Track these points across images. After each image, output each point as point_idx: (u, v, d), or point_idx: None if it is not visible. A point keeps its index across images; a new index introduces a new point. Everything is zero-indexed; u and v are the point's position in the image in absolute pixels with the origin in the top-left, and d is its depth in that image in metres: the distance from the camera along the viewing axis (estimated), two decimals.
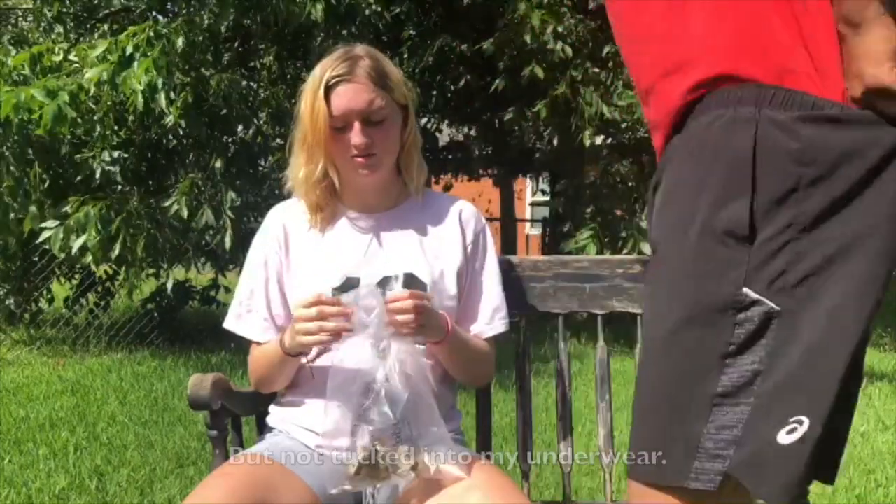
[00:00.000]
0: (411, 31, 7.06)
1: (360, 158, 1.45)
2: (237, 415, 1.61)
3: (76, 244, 4.72)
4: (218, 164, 5.09)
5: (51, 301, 6.40)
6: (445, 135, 9.50)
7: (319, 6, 4.86)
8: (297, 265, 1.52)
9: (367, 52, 1.47)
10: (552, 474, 2.97)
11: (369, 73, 1.43)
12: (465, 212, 1.57)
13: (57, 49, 5.11)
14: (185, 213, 4.93)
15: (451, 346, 1.42)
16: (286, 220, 1.55)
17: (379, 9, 5.46)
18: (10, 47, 5.23)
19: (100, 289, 6.38)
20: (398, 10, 6.47)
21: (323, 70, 1.43)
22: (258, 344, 1.53)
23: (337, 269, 1.47)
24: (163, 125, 5.08)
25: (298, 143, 1.48)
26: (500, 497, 1.29)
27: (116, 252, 4.86)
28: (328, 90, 1.41)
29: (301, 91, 1.47)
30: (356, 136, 1.43)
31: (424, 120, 8.45)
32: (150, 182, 5.50)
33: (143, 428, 3.69)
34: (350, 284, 1.42)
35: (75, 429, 3.66)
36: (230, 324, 1.55)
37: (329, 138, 1.44)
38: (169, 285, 5.65)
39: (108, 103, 4.88)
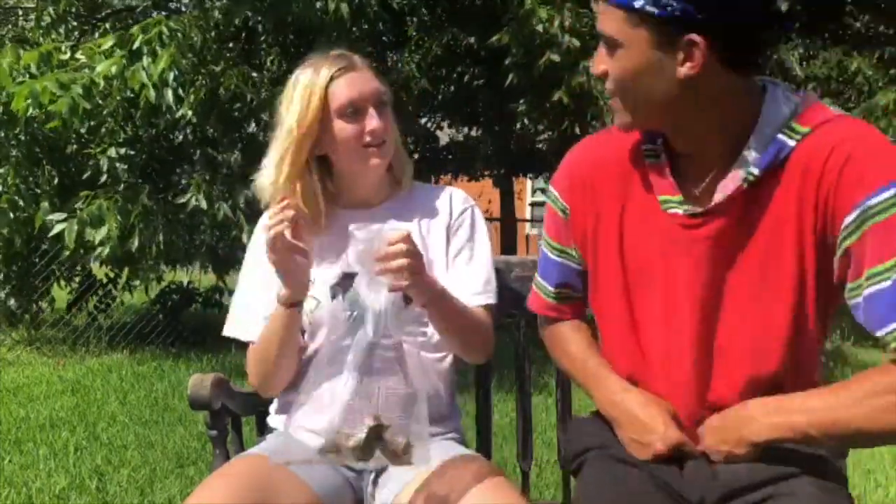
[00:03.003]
0: (414, 32, 7.04)
1: (373, 147, 1.45)
2: (237, 415, 1.62)
3: (98, 235, 4.71)
4: (234, 157, 5.07)
5: (50, 302, 6.39)
6: (445, 134, 9.49)
7: (345, 6, 4.85)
8: None
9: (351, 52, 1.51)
10: (552, 474, 2.97)
11: (367, 63, 1.48)
12: (454, 196, 1.58)
13: (63, 48, 5.12)
14: (204, 205, 4.92)
15: (442, 307, 1.37)
16: None
17: None
18: (19, 47, 5.20)
19: (100, 291, 6.37)
20: (404, 2, 6.46)
21: (316, 70, 1.44)
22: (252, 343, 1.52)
23: (335, 266, 1.47)
24: (174, 120, 5.07)
25: (281, 146, 1.45)
26: (497, 497, 1.29)
27: (136, 244, 4.85)
28: (331, 82, 1.42)
29: (285, 96, 1.47)
30: (373, 120, 1.44)
31: (425, 119, 8.43)
32: (158, 180, 5.50)
33: (143, 428, 3.69)
34: (347, 280, 1.43)
35: (75, 429, 3.66)
36: (230, 330, 1.54)
37: (326, 133, 1.44)
38: (185, 279, 5.64)
39: (118, 98, 4.88)
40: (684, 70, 1.07)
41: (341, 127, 1.44)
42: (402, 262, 1.23)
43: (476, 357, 1.54)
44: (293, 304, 1.39)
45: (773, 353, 1.14)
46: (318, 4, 4.89)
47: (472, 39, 6.84)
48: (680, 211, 1.16)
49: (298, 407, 1.48)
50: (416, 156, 7.52)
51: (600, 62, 1.13)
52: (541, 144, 9.00)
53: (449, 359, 1.54)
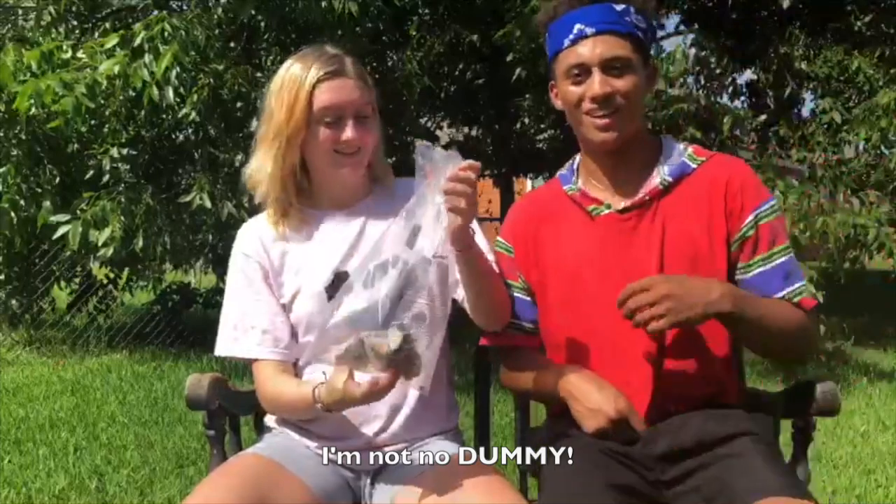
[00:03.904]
0: (415, 31, 7.03)
1: (345, 155, 1.45)
2: (235, 414, 1.61)
3: (102, 236, 4.70)
4: (238, 157, 5.05)
5: (51, 303, 6.38)
6: (445, 134, 9.47)
7: (354, 5, 4.82)
8: (284, 273, 1.51)
9: (345, 52, 1.49)
10: None
11: (356, 70, 1.45)
12: None
13: (65, 47, 5.10)
14: (208, 204, 4.89)
15: (476, 258, 1.35)
16: (261, 233, 1.54)
17: None
18: (22, 47, 5.18)
19: (100, 292, 6.36)
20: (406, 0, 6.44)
21: (305, 67, 1.43)
22: (257, 361, 1.49)
23: (324, 268, 1.47)
24: (177, 119, 5.05)
25: (268, 139, 1.46)
26: (495, 497, 1.29)
27: (140, 244, 4.84)
28: (317, 84, 1.41)
29: (268, 90, 1.47)
30: (349, 131, 1.43)
31: (425, 119, 8.40)
32: (160, 179, 5.48)
33: (142, 428, 3.69)
34: (340, 280, 1.43)
35: (75, 429, 3.66)
36: (226, 348, 1.50)
37: (307, 133, 1.43)
38: (194, 280, 5.60)
39: (120, 97, 4.86)
40: (650, 86, 1.49)
41: (317, 131, 1.43)
42: (468, 189, 1.22)
43: (494, 319, 1.50)
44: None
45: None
46: (324, 4, 4.86)
47: (474, 37, 6.83)
48: (609, 210, 1.46)
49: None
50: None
51: (604, 84, 1.40)
52: (541, 144, 8.98)
53: (446, 357, 1.54)
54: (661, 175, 1.46)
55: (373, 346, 1.19)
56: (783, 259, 1.43)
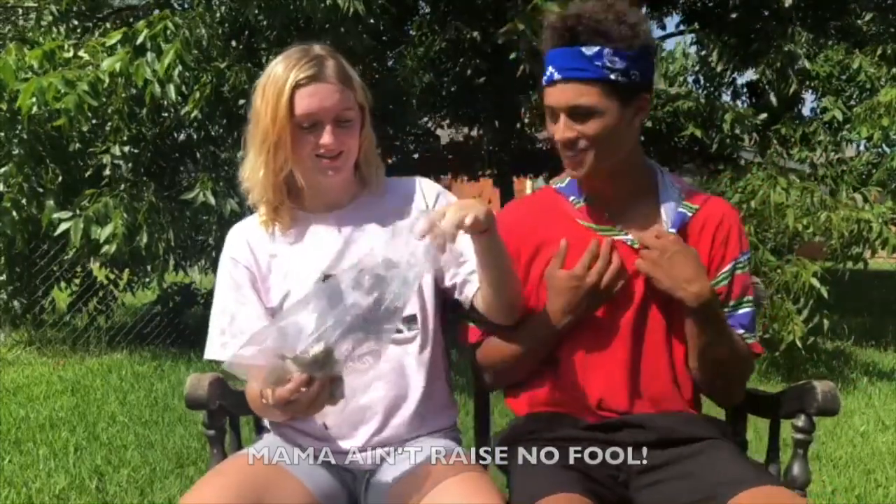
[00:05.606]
0: (416, 29, 7.03)
1: (326, 159, 1.44)
2: (235, 414, 1.61)
3: (104, 233, 4.69)
4: (241, 154, 5.03)
5: (51, 303, 6.37)
6: (446, 133, 9.47)
7: (360, 5, 4.80)
8: (272, 276, 1.50)
9: (329, 52, 1.46)
10: None
11: (337, 73, 1.43)
12: (423, 185, 1.57)
13: (66, 45, 5.09)
14: (212, 201, 4.89)
15: (494, 243, 1.34)
16: (248, 237, 1.53)
17: None
18: (23, 46, 5.17)
19: (101, 293, 6.35)
20: None
21: (287, 69, 1.40)
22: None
23: (312, 271, 1.46)
24: (180, 117, 5.04)
25: (258, 143, 1.45)
26: (472, 497, 1.29)
27: (145, 241, 4.83)
28: (295, 89, 1.39)
29: (255, 88, 1.45)
30: (326, 136, 1.41)
31: (426, 119, 8.39)
32: (162, 178, 5.46)
33: (143, 428, 3.68)
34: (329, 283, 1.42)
35: (75, 429, 3.66)
36: (215, 353, 1.50)
37: (292, 138, 1.41)
38: (198, 278, 5.58)
39: (123, 95, 4.86)
40: (639, 119, 1.46)
41: (298, 135, 1.42)
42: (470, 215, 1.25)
43: (504, 309, 1.46)
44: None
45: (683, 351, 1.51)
46: (328, 2, 4.85)
47: (475, 34, 6.82)
48: (621, 238, 1.49)
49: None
50: (415, 156, 7.49)
51: (567, 129, 1.42)
52: (541, 144, 8.98)
53: (438, 354, 1.54)
54: (665, 226, 1.50)
55: (294, 359, 1.17)
56: (747, 310, 1.54)
